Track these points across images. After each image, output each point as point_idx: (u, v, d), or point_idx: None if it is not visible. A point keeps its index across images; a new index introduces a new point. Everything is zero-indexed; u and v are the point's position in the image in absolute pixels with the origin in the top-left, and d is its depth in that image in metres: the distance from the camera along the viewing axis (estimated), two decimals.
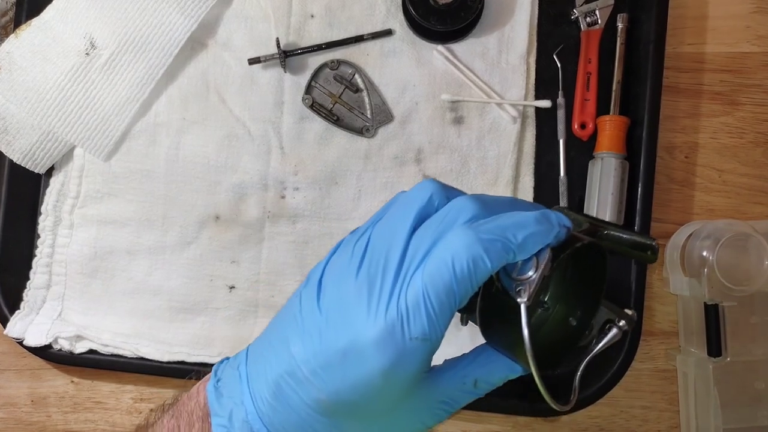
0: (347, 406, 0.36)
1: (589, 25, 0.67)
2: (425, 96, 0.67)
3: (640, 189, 0.64)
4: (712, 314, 0.61)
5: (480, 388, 0.40)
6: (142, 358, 0.65)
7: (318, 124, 0.67)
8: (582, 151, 0.67)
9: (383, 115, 0.67)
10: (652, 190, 0.64)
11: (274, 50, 0.66)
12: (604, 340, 0.40)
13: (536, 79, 0.67)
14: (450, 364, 0.40)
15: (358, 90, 0.67)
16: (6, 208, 0.67)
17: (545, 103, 0.66)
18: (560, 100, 0.67)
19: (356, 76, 0.67)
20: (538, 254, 0.36)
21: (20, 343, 0.65)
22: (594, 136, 0.66)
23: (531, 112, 0.67)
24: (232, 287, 0.66)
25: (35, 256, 0.67)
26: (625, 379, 0.64)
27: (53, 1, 0.66)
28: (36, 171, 0.67)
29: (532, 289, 0.35)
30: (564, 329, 0.41)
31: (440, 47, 0.67)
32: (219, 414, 0.38)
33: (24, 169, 0.66)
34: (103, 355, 0.65)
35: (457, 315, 0.42)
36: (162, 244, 0.66)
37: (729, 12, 0.69)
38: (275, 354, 0.38)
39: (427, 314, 0.34)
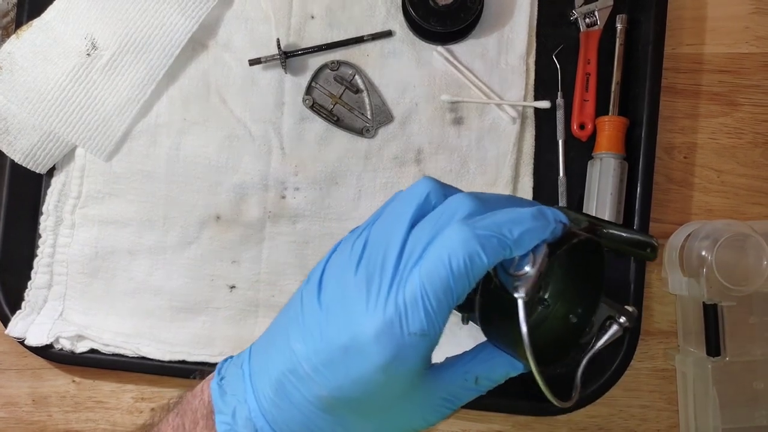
0: (349, 402, 0.36)
1: (588, 26, 0.67)
2: (425, 97, 0.67)
3: (639, 189, 0.64)
4: (711, 314, 0.62)
5: (481, 385, 0.40)
6: (143, 358, 0.65)
7: (318, 124, 0.67)
8: (581, 152, 0.67)
9: (383, 116, 0.67)
10: (651, 190, 0.64)
11: (274, 51, 0.66)
12: (605, 337, 0.40)
13: (535, 80, 0.67)
14: (451, 361, 0.40)
15: (358, 91, 0.67)
16: (7, 208, 0.67)
17: (544, 104, 0.66)
18: (559, 100, 0.67)
19: (356, 76, 0.67)
20: (534, 250, 0.36)
21: (21, 342, 0.65)
22: (593, 137, 0.66)
23: (530, 113, 0.67)
24: (232, 287, 0.67)
25: (36, 256, 0.67)
26: (623, 379, 0.64)
27: (54, 2, 0.67)
28: (37, 171, 0.67)
29: (529, 285, 0.35)
30: (565, 326, 0.41)
31: (440, 48, 0.67)
32: (223, 411, 0.38)
33: (25, 169, 0.67)
34: (104, 354, 0.65)
35: (459, 315, 0.42)
36: (163, 244, 0.66)
37: (728, 13, 0.69)
38: (277, 351, 0.38)
39: (425, 310, 0.35)
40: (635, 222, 0.64)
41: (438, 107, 0.67)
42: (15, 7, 0.69)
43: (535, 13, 0.67)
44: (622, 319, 0.40)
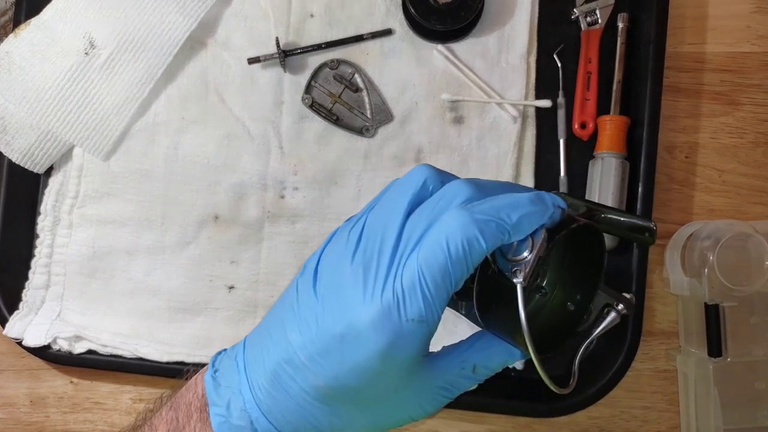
0: (346, 391, 0.36)
1: (589, 24, 0.67)
2: (425, 95, 0.66)
3: (640, 189, 0.64)
4: (713, 314, 0.61)
5: (479, 373, 0.40)
6: (141, 359, 0.65)
7: (318, 123, 0.67)
8: (582, 151, 0.66)
9: (383, 115, 0.66)
10: (653, 189, 0.64)
11: (273, 50, 0.66)
12: (603, 324, 0.40)
13: (536, 79, 0.67)
14: (449, 349, 0.40)
15: (357, 89, 0.67)
16: (5, 208, 0.67)
17: (545, 103, 0.66)
18: (560, 99, 0.66)
19: (356, 75, 0.67)
20: (533, 235, 0.36)
21: (19, 343, 0.65)
22: (594, 136, 0.66)
23: (531, 112, 0.67)
24: (231, 287, 0.66)
25: (34, 256, 0.67)
26: (625, 380, 0.64)
27: (52, 1, 0.66)
28: (35, 171, 0.67)
29: (527, 270, 0.35)
30: (562, 314, 0.41)
31: (440, 47, 0.67)
32: (217, 404, 0.38)
33: (23, 168, 0.66)
34: (102, 355, 0.65)
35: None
36: (161, 244, 0.66)
37: (729, 12, 0.69)
38: (272, 342, 0.38)
39: (423, 295, 0.34)
40: None
41: (438, 106, 0.66)
42: (13, 6, 0.69)
43: (536, 11, 0.67)
44: (620, 307, 0.40)
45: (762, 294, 0.63)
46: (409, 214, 0.37)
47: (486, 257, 0.36)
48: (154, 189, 0.66)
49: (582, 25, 0.67)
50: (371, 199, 0.40)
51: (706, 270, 0.62)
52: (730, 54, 0.68)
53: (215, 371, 0.40)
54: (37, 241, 0.67)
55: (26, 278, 0.67)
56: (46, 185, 0.67)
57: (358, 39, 0.67)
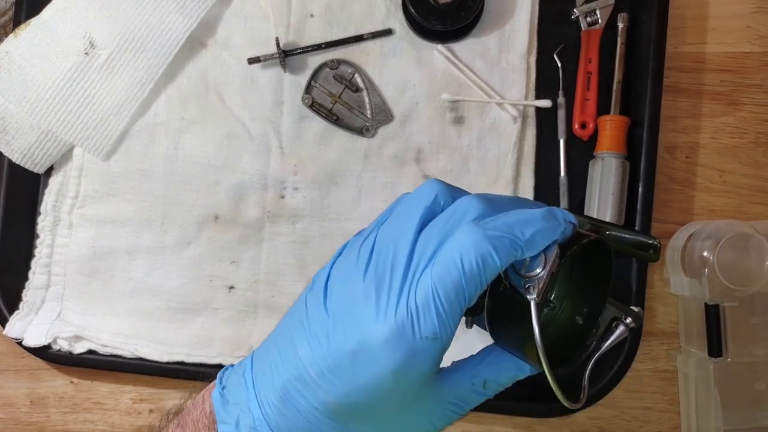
0: (356, 408, 0.36)
1: (589, 24, 0.67)
2: (425, 96, 0.66)
3: (640, 189, 0.64)
4: (713, 315, 0.61)
5: (489, 388, 0.39)
6: (141, 359, 0.65)
7: (318, 123, 0.67)
8: (582, 151, 0.66)
9: (383, 115, 0.66)
10: (653, 190, 0.64)
11: (273, 50, 0.66)
12: (612, 338, 0.40)
13: (536, 79, 0.67)
14: (459, 365, 0.40)
15: (357, 89, 0.67)
16: (5, 208, 0.67)
17: (545, 103, 0.66)
18: (561, 99, 0.66)
19: (356, 75, 0.67)
20: (545, 251, 0.36)
21: (19, 343, 0.65)
22: (594, 136, 0.66)
23: (531, 112, 0.67)
24: (231, 287, 0.66)
25: (34, 256, 0.67)
26: (625, 380, 0.64)
27: (52, 1, 0.66)
28: (35, 171, 0.67)
29: (541, 286, 0.35)
30: (571, 328, 0.41)
31: (440, 47, 0.67)
32: (225, 421, 0.38)
33: (23, 168, 0.66)
34: (102, 355, 0.65)
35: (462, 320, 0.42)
36: (161, 244, 0.66)
37: (729, 12, 0.69)
38: (282, 358, 0.37)
39: (437, 313, 0.34)
40: (637, 222, 0.64)
41: (438, 106, 0.66)
42: (13, 6, 0.69)
43: (536, 11, 0.67)
44: (628, 320, 0.40)
45: (762, 294, 0.63)
46: (420, 229, 0.37)
47: (498, 274, 0.36)
48: (154, 189, 0.66)
49: (582, 25, 0.67)
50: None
51: (706, 270, 0.61)
52: (731, 54, 0.68)
53: (223, 388, 0.39)
54: (37, 241, 0.67)
55: (26, 278, 0.67)
56: (46, 185, 0.67)
57: (358, 39, 0.67)
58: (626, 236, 0.43)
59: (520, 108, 0.66)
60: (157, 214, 0.66)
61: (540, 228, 0.36)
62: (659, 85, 0.64)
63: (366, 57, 0.67)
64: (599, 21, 0.66)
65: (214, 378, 0.41)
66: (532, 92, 0.67)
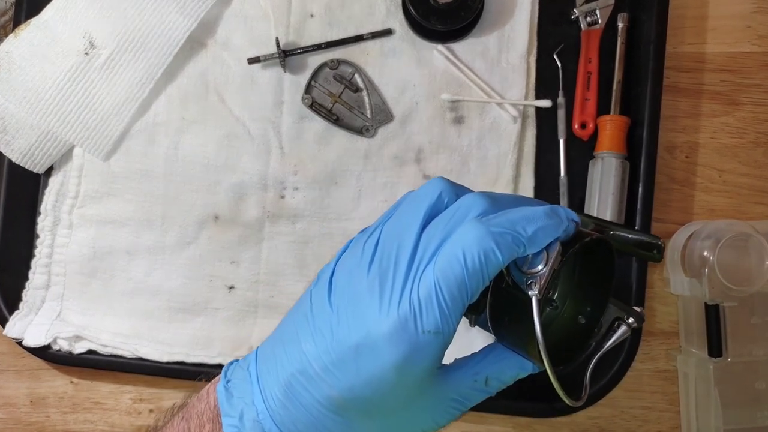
0: (360, 402, 0.36)
1: (589, 24, 0.67)
2: (425, 96, 0.66)
3: (640, 189, 0.64)
4: (713, 314, 0.61)
5: (491, 386, 0.40)
6: (141, 359, 0.65)
7: (318, 123, 0.67)
8: (582, 151, 0.66)
9: (383, 115, 0.66)
10: (653, 190, 0.64)
11: (273, 50, 0.66)
12: (614, 338, 0.40)
13: (536, 79, 0.67)
14: (461, 362, 0.40)
15: (357, 89, 0.67)
16: (5, 208, 0.67)
17: (545, 103, 0.66)
18: (560, 99, 0.66)
19: (356, 75, 0.67)
20: (547, 248, 0.36)
21: (19, 343, 0.65)
22: (594, 136, 0.66)
23: (531, 112, 0.67)
24: (231, 287, 0.66)
25: (34, 256, 0.67)
26: (625, 380, 0.64)
27: (52, 1, 0.66)
28: (35, 171, 0.67)
29: (542, 283, 0.36)
30: (573, 327, 0.41)
31: (440, 47, 0.67)
32: (229, 414, 0.38)
33: (23, 168, 0.66)
34: (103, 355, 0.65)
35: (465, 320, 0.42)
36: (161, 244, 0.66)
37: (729, 12, 0.69)
38: (286, 353, 0.38)
39: (439, 307, 0.35)
40: (637, 222, 0.64)
41: (438, 106, 0.66)
42: (13, 6, 0.69)
43: (536, 11, 0.67)
44: (630, 320, 0.40)
45: (762, 294, 0.63)
46: (424, 226, 0.37)
47: (500, 271, 0.36)
48: (154, 189, 0.66)
49: (582, 25, 0.67)
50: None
51: (706, 270, 0.62)
52: (731, 54, 0.68)
53: (228, 381, 0.40)
54: (37, 241, 0.67)
55: (26, 278, 0.67)
56: (46, 185, 0.67)
57: (358, 39, 0.67)
58: (630, 236, 0.43)
59: (520, 108, 0.66)
60: (157, 214, 0.66)
61: (542, 225, 0.36)
62: (659, 85, 0.64)
63: (366, 57, 0.67)
64: (599, 21, 0.66)
65: (214, 377, 0.41)
66: (532, 92, 0.67)
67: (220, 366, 0.63)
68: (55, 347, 0.65)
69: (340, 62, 0.67)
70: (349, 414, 0.37)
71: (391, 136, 0.66)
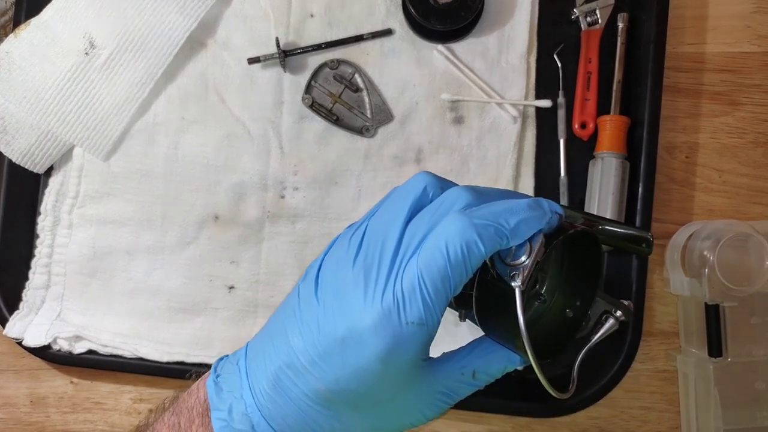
0: (347, 395, 0.36)
1: (589, 24, 0.67)
2: (425, 95, 0.66)
3: (640, 189, 0.64)
4: (713, 314, 0.61)
5: (479, 379, 0.40)
6: (141, 359, 0.65)
7: (318, 123, 0.67)
8: (582, 151, 0.66)
9: (383, 115, 0.66)
10: (653, 190, 0.64)
11: (273, 50, 0.66)
12: (601, 331, 0.41)
13: (536, 79, 0.67)
14: (449, 355, 0.40)
15: (357, 89, 0.67)
16: (5, 208, 0.67)
17: (545, 103, 0.66)
18: (560, 99, 0.66)
19: (356, 75, 0.67)
20: (531, 240, 0.37)
21: (19, 343, 0.65)
22: (594, 136, 0.66)
23: (531, 112, 0.67)
24: (231, 287, 0.66)
25: (34, 256, 0.67)
26: (625, 380, 0.64)
27: (52, 1, 0.66)
28: (35, 171, 0.67)
29: (526, 274, 0.36)
30: (562, 321, 0.42)
31: (440, 47, 0.67)
32: (219, 408, 0.38)
33: (23, 168, 0.66)
34: (103, 355, 0.65)
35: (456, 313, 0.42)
36: (161, 244, 0.66)
37: (729, 12, 0.69)
38: (274, 347, 0.38)
39: (422, 299, 0.35)
40: (637, 222, 0.64)
41: (438, 106, 0.66)
42: (13, 6, 0.69)
43: (536, 11, 0.67)
44: (618, 313, 0.41)
45: (762, 294, 0.63)
46: (409, 219, 0.37)
47: (485, 263, 0.37)
48: (154, 189, 0.66)
49: (582, 25, 0.67)
50: (372, 204, 0.40)
51: (706, 270, 0.62)
52: (730, 54, 0.68)
53: (217, 376, 0.40)
54: (37, 241, 0.67)
55: (26, 278, 0.67)
56: (46, 185, 0.67)
57: (358, 39, 0.67)
58: (619, 230, 0.43)
59: (520, 108, 0.66)
60: (157, 214, 0.66)
61: (525, 217, 0.36)
62: (659, 85, 0.64)
63: (366, 57, 0.67)
64: (599, 21, 0.66)
65: (203, 374, 0.42)
66: (532, 92, 0.67)
67: None
68: (55, 347, 0.65)
69: (340, 62, 0.67)
70: (336, 407, 0.37)
71: (391, 136, 0.66)
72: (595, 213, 0.63)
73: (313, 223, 0.66)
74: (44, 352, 0.65)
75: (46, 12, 0.66)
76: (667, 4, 0.65)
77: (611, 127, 0.64)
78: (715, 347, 0.61)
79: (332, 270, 0.38)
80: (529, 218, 0.37)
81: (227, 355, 0.42)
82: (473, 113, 0.66)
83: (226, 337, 0.66)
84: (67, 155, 0.67)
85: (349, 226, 0.40)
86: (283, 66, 0.66)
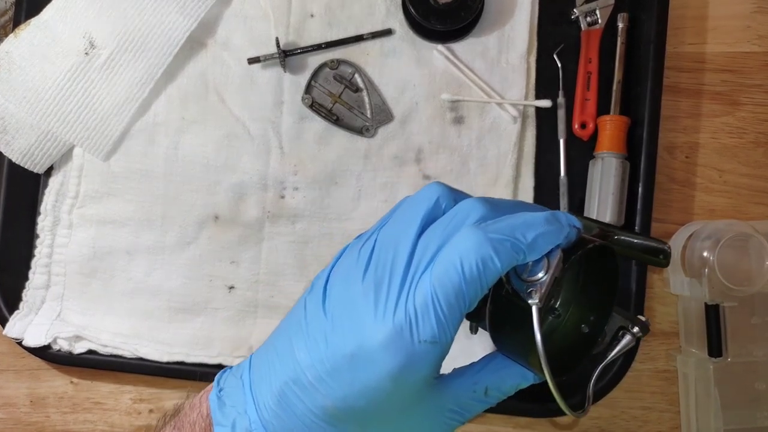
0: (354, 412, 0.35)
1: (589, 24, 0.67)
2: (425, 96, 0.66)
3: (640, 189, 0.64)
4: (713, 315, 0.61)
5: (491, 396, 0.39)
6: (141, 359, 0.65)
7: (318, 123, 0.67)
8: (582, 151, 0.66)
9: (383, 115, 0.66)
10: (653, 190, 0.64)
11: (273, 50, 0.66)
12: (618, 347, 0.39)
13: (536, 79, 0.67)
14: (460, 371, 0.39)
15: (357, 89, 0.67)
16: (5, 208, 0.67)
17: (545, 103, 0.66)
18: (561, 99, 0.66)
19: (356, 75, 0.67)
20: (548, 255, 0.35)
21: (19, 343, 0.65)
22: (594, 136, 0.66)
23: (531, 112, 0.67)
24: (231, 287, 0.66)
25: (34, 256, 0.67)
26: (625, 380, 0.64)
27: (52, 1, 0.66)
28: (35, 171, 0.67)
29: (543, 291, 0.34)
30: (576, 336, 0.40)
31: (440, 47, 0.67)
32: (222, 424, 0.37)
33: (23, 168, 0.66)
34: (102, 355, 0.65)
35: (467, 323, 0.41)
36: (161, 244, 0.66)
37: (729, 12, 0.69)
38: (279, 361, 0.37)
39: (436, 316, 0.34)
40: (637, 222, 0.64)
41: (438, 106, 0.66)
42: (13, 6, 0.69)
43: (536, 11, 0.67)
44: (635, 329, 0.39)
45: (762, 294, 0.63)
46: (421, 232, 0.36)
47: (500, 277, 0.35)
48: (154, 189, 0.66)
49: (582, 25, 0.67)
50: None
51: (706, 270, 0.61)
52: (731, 54, 0.68)
53: (220, 390, 0.39)
54: (37, 241, 0.67)
55: (26, 278, 0.67)
56: (46, 185, 0.67)
57: (358, 39, 0.67)
58: (636, 241, 0.42)
59: (520, 108, 0.66)
60: (157, 214, 0.66)
61: (543, 231, 0.35)
62: (659, 85, 0.64)
63: (366, 57, 0.67)
64: (599, 21, 0.66)
65: (212, 377, 0.41)
66: (532, 92, 0.67)
67: (220, 366, 0.64)
68: (55, 347, 0.65)
69: (340, 62, 0.67)
70: (343, 424, 0.36)
71: (391, 136, 0.66)
72: (594, 213, 0.63)
73: (313, 223, 0.66)
74: (44, 352, 0.65)
75: (46, 12, 0.66)
76: (667, 4, 0.65)
77: (611, 127, 0.64)
78: (715, 347, 0.61)
79: (341, 282, 0.36)
80: (547, 233, 0.35)
81: (230, 368, 0.41)
82: (473, 113, 0.66)
83: (226, 337, 0.66)
84: (67, 155, 0.67)
85: (359, 237, 0.38)
86: (283, 66, 0.66)
